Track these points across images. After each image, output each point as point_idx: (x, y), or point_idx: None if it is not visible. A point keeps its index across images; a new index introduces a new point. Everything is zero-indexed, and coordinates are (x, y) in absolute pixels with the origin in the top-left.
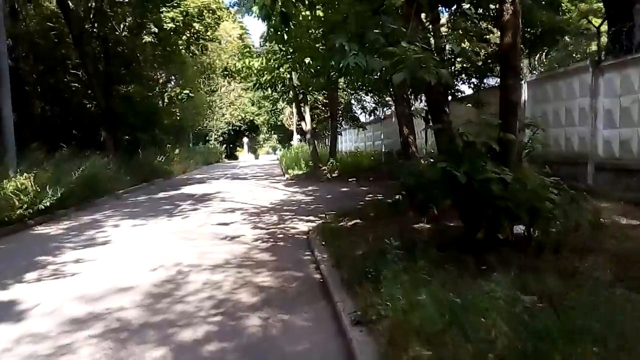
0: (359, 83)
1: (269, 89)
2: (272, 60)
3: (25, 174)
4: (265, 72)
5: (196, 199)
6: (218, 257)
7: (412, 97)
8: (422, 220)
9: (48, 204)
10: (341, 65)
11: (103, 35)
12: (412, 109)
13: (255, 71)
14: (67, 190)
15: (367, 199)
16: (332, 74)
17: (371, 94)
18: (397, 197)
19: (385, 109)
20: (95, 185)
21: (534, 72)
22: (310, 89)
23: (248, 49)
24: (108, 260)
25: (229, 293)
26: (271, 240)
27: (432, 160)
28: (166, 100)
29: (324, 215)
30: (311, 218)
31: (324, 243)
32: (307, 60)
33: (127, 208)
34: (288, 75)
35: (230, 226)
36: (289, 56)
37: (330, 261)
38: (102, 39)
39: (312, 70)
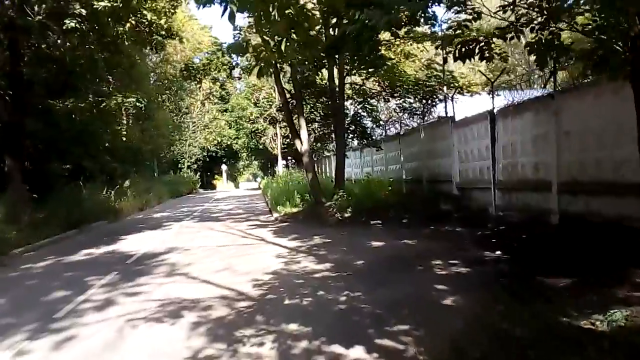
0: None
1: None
2: None
3: None
4: None
5: (128, 267)
6: None
7: None
8: None
9: None
10: None
11: (7, 20)
12: None
13: None
14: None
15: (438, 270)
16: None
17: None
18: None
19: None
20: None
21: None
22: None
23: None
24: None
25: None
26: None
27: None
28: (107, 112)
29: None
30: (364, 358)
31: None
32: None
33: None
34: None
35: None
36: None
37: None
38: (5, 27)
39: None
